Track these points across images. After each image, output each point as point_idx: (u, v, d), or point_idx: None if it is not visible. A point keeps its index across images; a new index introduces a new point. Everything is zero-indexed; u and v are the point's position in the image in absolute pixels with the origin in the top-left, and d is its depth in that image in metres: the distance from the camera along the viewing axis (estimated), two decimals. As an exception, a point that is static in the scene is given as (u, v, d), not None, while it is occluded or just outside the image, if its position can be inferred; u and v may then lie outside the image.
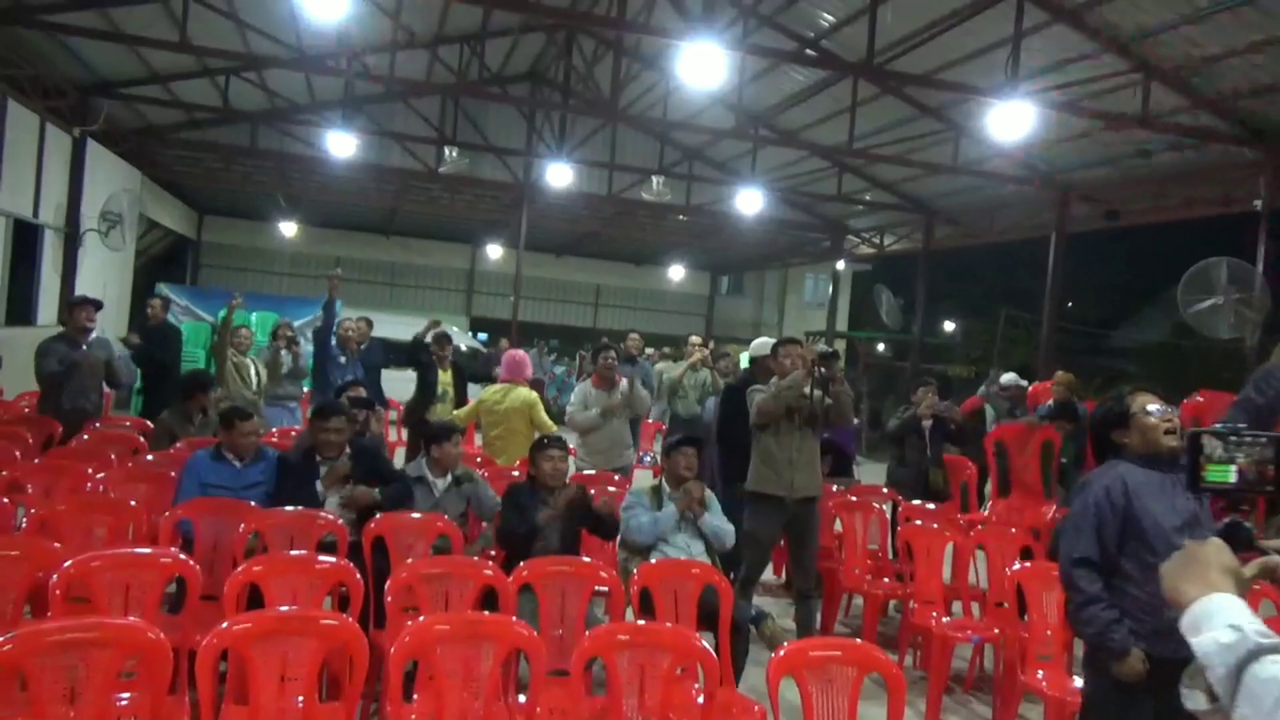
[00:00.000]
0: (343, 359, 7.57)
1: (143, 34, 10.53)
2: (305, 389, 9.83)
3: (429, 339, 8.07)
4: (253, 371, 7.51)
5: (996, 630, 4.83)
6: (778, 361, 5.15)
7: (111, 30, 10.67)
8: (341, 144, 14.38)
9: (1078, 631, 3.11)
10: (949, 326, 33.05)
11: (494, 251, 24.15)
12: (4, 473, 4.74)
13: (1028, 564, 4.69)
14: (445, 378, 7.95)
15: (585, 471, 6.53)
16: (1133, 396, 3.08)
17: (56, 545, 3.46)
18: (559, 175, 15.11)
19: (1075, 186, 12.84)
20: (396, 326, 15.74)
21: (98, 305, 6.79)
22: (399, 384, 12.54)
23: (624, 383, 6.67)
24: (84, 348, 6.51)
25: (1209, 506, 3.08)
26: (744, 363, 8.27)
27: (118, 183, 14.16)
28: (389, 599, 3.60)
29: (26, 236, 11.67)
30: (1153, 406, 3.02)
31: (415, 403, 7.99)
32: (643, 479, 6.47)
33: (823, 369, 4.91)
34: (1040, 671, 4.18)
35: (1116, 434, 3.09)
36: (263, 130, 15.88)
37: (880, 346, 25.13)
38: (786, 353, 5.14)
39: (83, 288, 12.63)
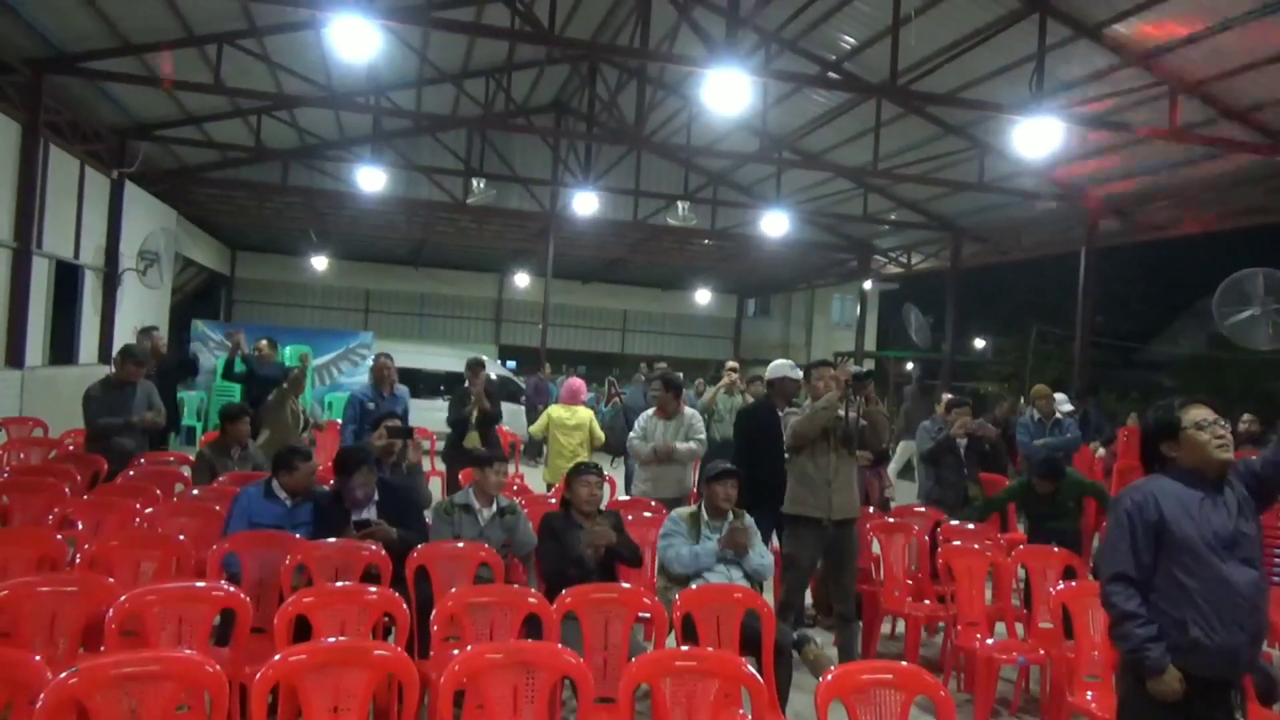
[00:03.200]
0: (372, 405, 7.19)
1: (178, 78, 10.81)
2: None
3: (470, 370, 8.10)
4: (301, 414, 7.59)
5: (1042, 651, 4.78)
6: (811, 384, 5.16)
7: (148, 75, 10.96)
8: (370, 179, 14.63)
9: (1116, 647, 3.06)
10: (979, 344, 32.83)
11: (521, 280, 24.34)
12: (55, 510, 4.85)
13: (1072, 583, 4.63)
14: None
15: (619, 498, 6.56)
16: (1184, 409, 2.99)
17: (111, 580, 3.53)
18: (585, 203, 15.27)
19: (1104, 200, 12.77)
20: (426, 357, 15.95)
21: (141, 362, 7.01)
22: (427, 413, 12.69)
23: (673, 446, 6.50)
24: (128, 392, 6.77)
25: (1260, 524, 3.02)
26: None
27: (154, 222, 14.47)
28: (434, 628, 3.63)
29: (68, 277, 11.93)
30: (1205, 420, 2.94)
31: (452, 435, 8.00)
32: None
33: (856, 391, 4.93)
34: (1089, 692, 4.12)
35: (1166, 446, 3.01)
36: (294, 167, 16.20)
37: (910, 365, 25.01)
38: (820, 375, 5.15)
39: (121, 326, 12.90)
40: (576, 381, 8.51)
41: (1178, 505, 2.90)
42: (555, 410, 8.23)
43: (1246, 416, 9.21)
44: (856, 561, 5.33)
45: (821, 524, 4.99)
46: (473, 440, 7.79)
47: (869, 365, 20.16)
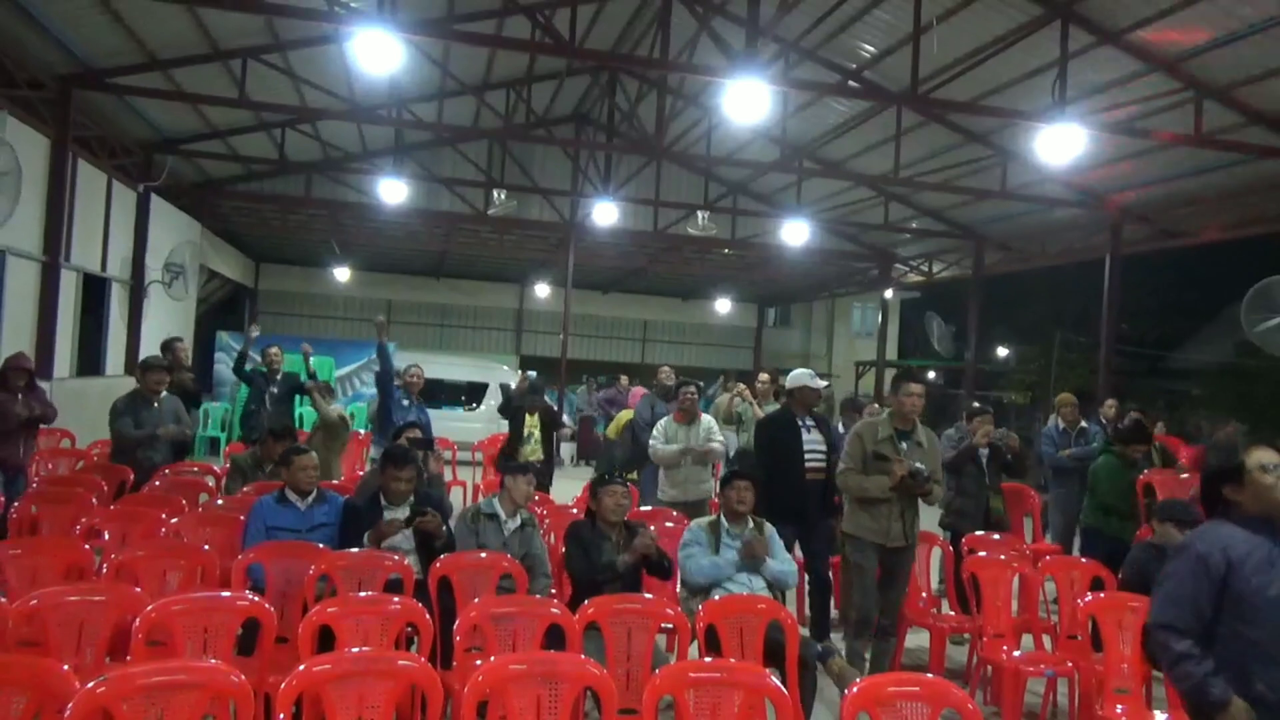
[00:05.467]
0: (405, 402, 7.66)
1: (203, 92, 10.94)
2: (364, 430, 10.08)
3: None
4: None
5: (1070, 664, 4.72)
6: (898, 399, 5.20)
7: (174, 90, 11.11)
8: (392, 190, 14.72)
9: (1177, 689, 2.96)
10: (1002, 352, 32.56)
11: (542, 290, 24.40)
12: (83, 520, 4.89)
13: (1100, 595, 4.57)
14: (532, 421, 8.26)
15: (643, 508, 6.57)
16: (1248, 451, 2.90)
17: (137, 590, 3.56)
18: (605, 213, 15.29)
19: (1128, 207, 12.65)
20: (448, 367, 16.00)
21: (168, 369, 7.12)
22: (448, 423, 12.75)
23: (713, 446, 6.91)
24: (155, 405, 6.83)
25: None
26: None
27: (180, 235, 14.63)
28: (458, 638, 3.63)
29: (95, 290, 12.08)
30: (1271, 463, 2.83)
31: (505, 445, 8.40)
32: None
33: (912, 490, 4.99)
34: (1119, 706, 4.06)
35: (1229, 490, 2.93)
36: (317, 180, 16.34)
37: (931, 374, 24.84)
38: (908, 391, 5.17)
39: (147, 338, 13.03)
40: (639, 390, 11.13)
41: (1247, 556, 2.80)
42: (624, 415, 9.57)
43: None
44: (908, 579, 5.31)
45: (880, 545, 5.00)
46: (526, 454, 8.05)
47: (888, 373, 19.97)
